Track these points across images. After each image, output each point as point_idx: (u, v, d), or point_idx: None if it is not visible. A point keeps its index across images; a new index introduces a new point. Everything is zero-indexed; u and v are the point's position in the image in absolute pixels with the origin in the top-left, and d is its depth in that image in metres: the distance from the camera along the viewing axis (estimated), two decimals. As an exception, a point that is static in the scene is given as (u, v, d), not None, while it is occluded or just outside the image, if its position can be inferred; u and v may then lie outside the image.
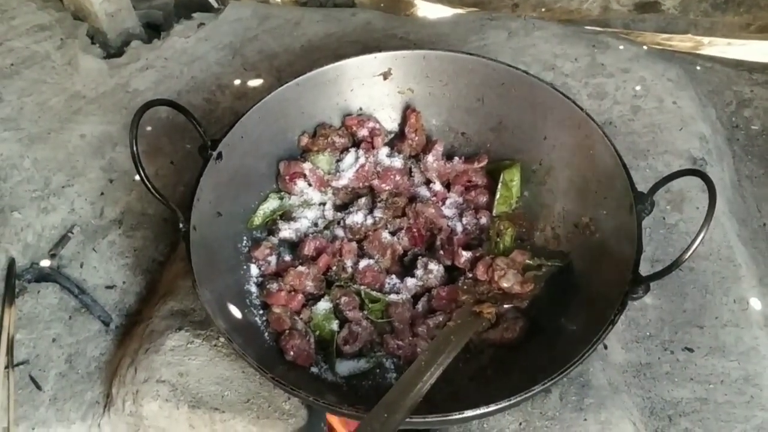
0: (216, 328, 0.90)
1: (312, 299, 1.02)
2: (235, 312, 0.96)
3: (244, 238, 1.08)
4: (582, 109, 1.01)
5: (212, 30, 1.60)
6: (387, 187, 1.11)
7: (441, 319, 0.98)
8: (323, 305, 1.00)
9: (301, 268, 1.01)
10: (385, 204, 1.10)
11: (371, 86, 1.15)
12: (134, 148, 0.87)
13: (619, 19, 1.71)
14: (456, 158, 1.13)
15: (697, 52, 1.62)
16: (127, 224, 1.25)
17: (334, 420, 1.00)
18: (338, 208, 1.14)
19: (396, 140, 1.18)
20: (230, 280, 1.02)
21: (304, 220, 1.10)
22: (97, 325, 1.14)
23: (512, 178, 1.10)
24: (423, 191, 1.12)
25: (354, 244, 1.06)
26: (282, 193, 1.13)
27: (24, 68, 1.49)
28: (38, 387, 1.07)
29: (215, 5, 1.78)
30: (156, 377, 1.00)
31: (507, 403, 0.79)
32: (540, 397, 0.95)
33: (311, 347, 0.96)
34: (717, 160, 1.28)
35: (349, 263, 1.04)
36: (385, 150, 1.15)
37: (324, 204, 1.13)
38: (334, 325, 0.99)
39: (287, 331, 0.97)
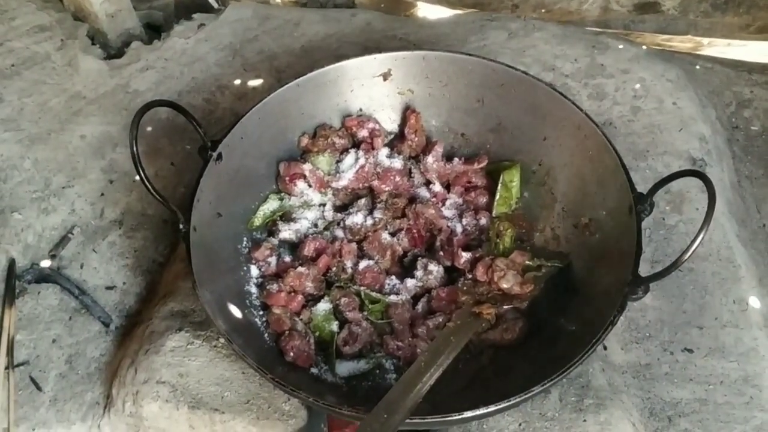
0: (216, 329, 0.90)
1: (312, 300, 1.02)
2: (235, 313, 0.96)
3: (244, 238, 1.08)
4: (581, 109, 1.01)
5: (212, 31, 1.60)
6: (387, 188, 1.11)
7: (441, 319, 0.98)
8: (323, 306, 1.00)
9: (301, 269, 1.01)
10: (385, 205, 1.10)
11: (371, 87, 1.15)
12: (134, 149, 0.87)
13: (619, 19, 1.71)
14: (456, 159, 1.13)
15: (697, 52, 1.62)
16: (127, 225, 1.25)
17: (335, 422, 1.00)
18: (338, 209, 1.14)
19: (396, 141, 1.18)
20: (230, 280, 1.01)
21: (304, 221, 1.10)
22: (97, 326, 1.14)
23: (512, 178, 1.10)
24: (423, 192, 1.12)
25: (354, 245, 1.06)
26: (282, 194, 1.13)
27: (24, 69, 1.48)
28: (38, 388, 1.07)
29: (215, 6, 1.78)
30: (156, 378, 1.00)
31: (506, 404, 0.79)
32: (539, 397, 0.95)
33: (311, 348, 0.96)
34: (717, 160, 1.28)
35: (348, 264, 1.04)
36: (385, 151, 1.14)
37: (324, 205, 1.13)
38: (334, 325, 0.99)
39: (287, 332, 0.97)
